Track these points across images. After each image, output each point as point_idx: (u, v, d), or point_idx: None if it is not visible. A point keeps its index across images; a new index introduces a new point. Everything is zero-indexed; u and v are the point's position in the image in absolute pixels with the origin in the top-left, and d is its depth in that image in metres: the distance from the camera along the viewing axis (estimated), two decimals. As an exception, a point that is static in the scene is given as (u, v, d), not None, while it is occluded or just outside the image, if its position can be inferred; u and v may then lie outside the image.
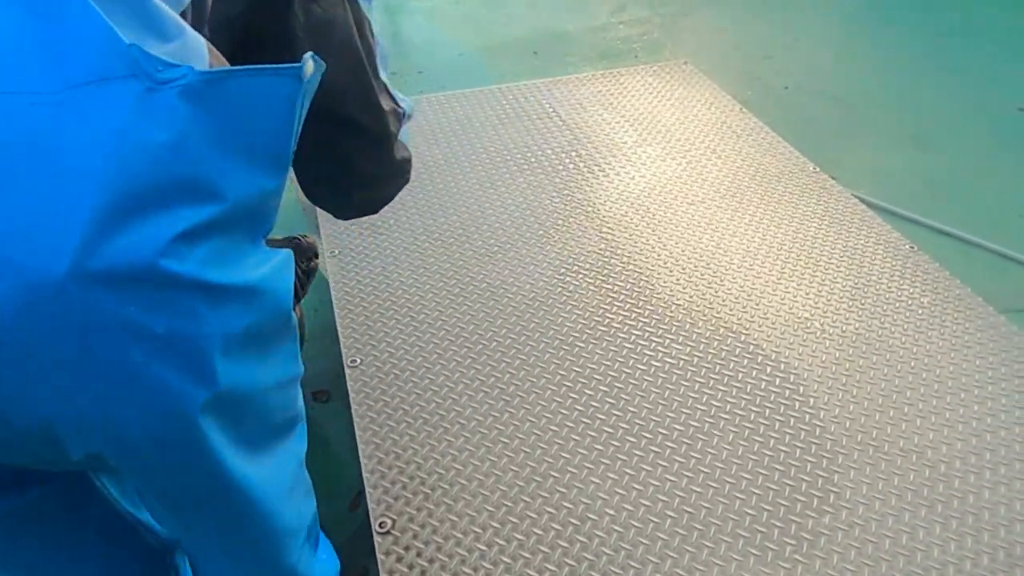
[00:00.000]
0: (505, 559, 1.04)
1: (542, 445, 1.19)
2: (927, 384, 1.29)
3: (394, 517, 1.09)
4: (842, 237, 1.63)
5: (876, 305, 1.45)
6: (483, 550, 1.05)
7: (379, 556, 1.04)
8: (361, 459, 1.17)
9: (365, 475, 1.15)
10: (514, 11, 3.41)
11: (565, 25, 3.27)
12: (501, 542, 1.06)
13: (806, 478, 1.14)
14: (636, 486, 1.13)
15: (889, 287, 1.49)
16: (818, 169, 1.86)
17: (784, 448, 1.18)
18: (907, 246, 1.60)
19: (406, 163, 1.08)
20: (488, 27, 3.30)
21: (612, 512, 1.09)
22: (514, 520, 1.08)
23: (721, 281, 1.51)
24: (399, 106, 1.00)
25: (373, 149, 1.00)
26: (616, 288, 1.50)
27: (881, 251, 1.59)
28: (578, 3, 3.48)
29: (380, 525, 1.07)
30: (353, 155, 0.99)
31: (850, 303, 1.45)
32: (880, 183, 2.18)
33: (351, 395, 1.28)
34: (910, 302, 1.46)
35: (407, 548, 1.05)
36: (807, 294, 1.48)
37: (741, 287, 1.50)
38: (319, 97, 0.72)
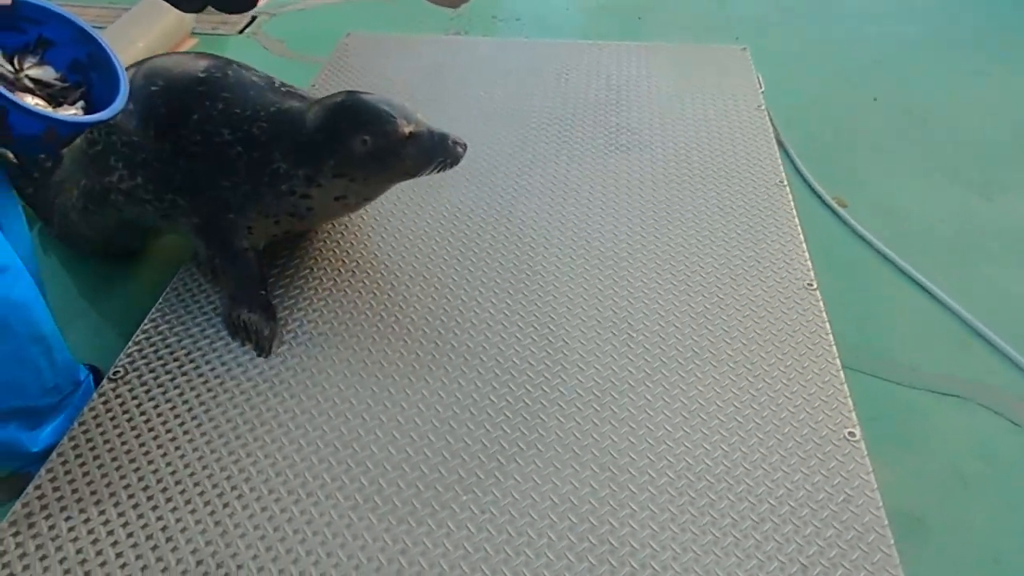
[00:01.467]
0: (201, 431, 1.16)
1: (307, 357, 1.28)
2: (718, 406, 1.19)
3: (130, 371, 1.24)
4: (745, 260, 1.49)
5: (725, 328, 1.34)
6: (181, 417, 1.17)
7: (94, 394, 1.20)
8: (150, 311, 1.34)
9: (139, 331, 1.31)
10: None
11: (691, -6, 3.11)
12: (204, 419, 1.17)
13: (522, 447, 1.13)
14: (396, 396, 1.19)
15: (748, 313, 1.37)
16: (784, 182, 1.69)
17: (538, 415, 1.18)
18: (807, 283, 1.44)
19: None
20: (613, -16, 3.22)
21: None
22: (220, 405, 1.20)
23: (596, 267, 1.47)
24: None
25: None
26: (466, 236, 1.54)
27: (777, 281, 1.44)
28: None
29: (114, 373, 1.23)
30: None
31: (702, 319, 1.36)
32: (902, 221, 1.92)
33: (182, 267, 1.44)
34: (757, 333, 1.33)
35: (118, 396, 1.20)
36: (665, 301, 1.40)
37: (614, 278, 1.45)
38: None
